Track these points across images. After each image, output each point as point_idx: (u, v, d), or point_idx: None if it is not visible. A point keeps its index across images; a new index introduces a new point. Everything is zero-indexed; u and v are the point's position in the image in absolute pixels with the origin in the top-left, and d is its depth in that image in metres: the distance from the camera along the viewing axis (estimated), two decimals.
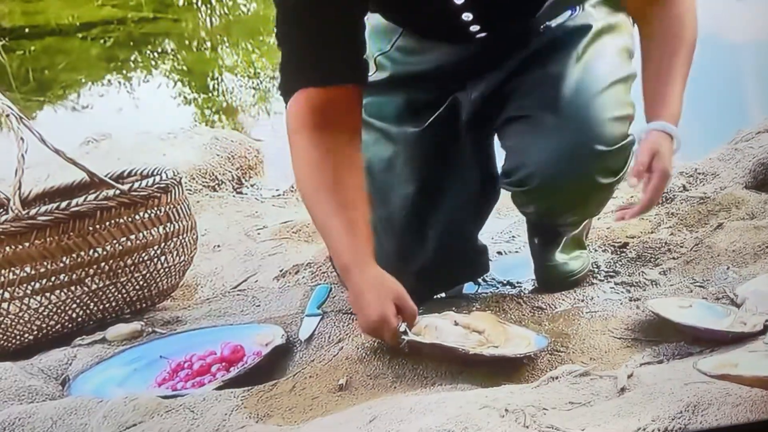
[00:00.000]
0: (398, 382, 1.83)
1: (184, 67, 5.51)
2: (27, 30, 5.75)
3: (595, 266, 2.31)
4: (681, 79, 1.90)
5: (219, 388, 1.93)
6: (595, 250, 2.43)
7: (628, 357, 1.79)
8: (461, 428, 1.43)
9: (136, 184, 2.33)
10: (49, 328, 2.31)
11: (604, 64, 2.02)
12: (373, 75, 2.10)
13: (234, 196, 3.38)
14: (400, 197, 2.15)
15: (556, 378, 1.65)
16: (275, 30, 1.90)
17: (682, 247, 2.30)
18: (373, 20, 2.08)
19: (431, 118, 2.13)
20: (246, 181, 3.58)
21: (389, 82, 2.15)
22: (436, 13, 1.96)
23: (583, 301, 2.08)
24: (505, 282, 2.30)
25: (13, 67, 5.22)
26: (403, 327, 1.81)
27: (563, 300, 2.11)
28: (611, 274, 2.28)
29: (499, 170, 2.10)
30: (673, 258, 2.26)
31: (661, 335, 1.85)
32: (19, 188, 2.15)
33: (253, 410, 1.81)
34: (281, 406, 1.82)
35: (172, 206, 2.40)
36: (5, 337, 2.28)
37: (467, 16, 1.95)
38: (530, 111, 2.00)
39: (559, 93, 1.96)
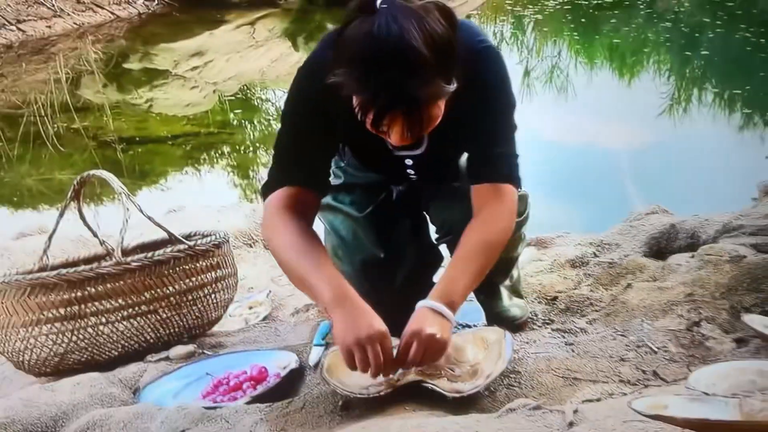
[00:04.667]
0: (386, 405, 1.38)
1: (235, 163, 5.26)
2: (137, 138, 5.48)
3: (534, 314, 1.85)
4: (473, 272, 1.42)
5: (248, 403, 1.53)
6: (532, 302, 1.97)
7: (571, 394, 1.34)
8: None
9: (199, 241, 1.98)
10: (129, 346, 1.90)
11: None
12: (333, 180, 1.68)
13: (264, 251, 2.93)
14: (363, 259, 1.71)
15: (514, 410, 1.20)
16: (276, 142, 1.53)
17: (601, 302, 1.83)
18: None
19: (373, 206, 1.72)
20: None
21: (344, 185, 1.73)
22: (389, 166, 1.60)
23: (528, 343, 1.58)
24: (463, 324, 1.79)
25: (125, 162, 4.98)
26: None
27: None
28: (547, 321, 1.81)
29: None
30: (596, 310, 1.79)
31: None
32: (122, 242, 1.87)
33: (273, 424, 1.40)
34: (294, 422, 1.40)
35: (222, 257, 2.01)
36: (99, 353, 1.88)
37: (411, 172, 1.61)
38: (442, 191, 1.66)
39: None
